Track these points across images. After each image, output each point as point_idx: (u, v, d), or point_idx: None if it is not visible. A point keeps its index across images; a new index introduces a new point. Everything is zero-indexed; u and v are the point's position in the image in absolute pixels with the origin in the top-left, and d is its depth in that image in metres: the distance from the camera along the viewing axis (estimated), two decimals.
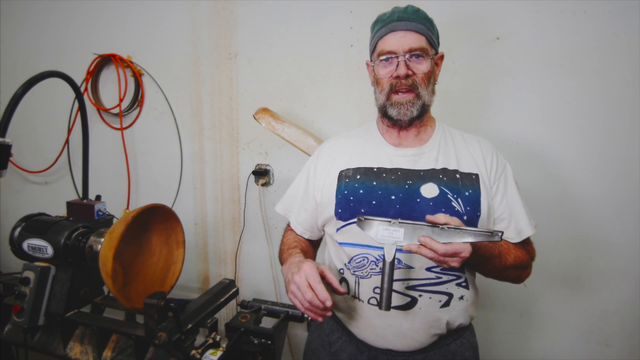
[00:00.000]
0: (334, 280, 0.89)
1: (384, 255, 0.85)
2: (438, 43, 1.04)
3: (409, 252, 0.84)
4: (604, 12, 1.29)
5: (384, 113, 1.03)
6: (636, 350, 1.40)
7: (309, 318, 1.21)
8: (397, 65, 0.96)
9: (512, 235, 1.02)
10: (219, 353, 1.17)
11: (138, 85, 1.91)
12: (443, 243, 0.80)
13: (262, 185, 1.78)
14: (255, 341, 1.27)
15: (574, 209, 1.41)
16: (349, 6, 1.54)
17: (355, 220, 0.93)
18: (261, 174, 1.76)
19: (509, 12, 1.38)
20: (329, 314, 0.87)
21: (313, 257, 1.16)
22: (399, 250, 0.85)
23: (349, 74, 1.59)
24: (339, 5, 1.56)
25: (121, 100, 1.92)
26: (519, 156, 1.41)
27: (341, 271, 1.05)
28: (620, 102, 1.32)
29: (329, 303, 0.83)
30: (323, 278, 0.89)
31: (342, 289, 0.89)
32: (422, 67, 0.98)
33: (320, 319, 0.89)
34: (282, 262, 1.10)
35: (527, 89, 1.40)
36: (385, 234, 0.86)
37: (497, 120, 1.44)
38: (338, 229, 1.04)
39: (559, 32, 1.34)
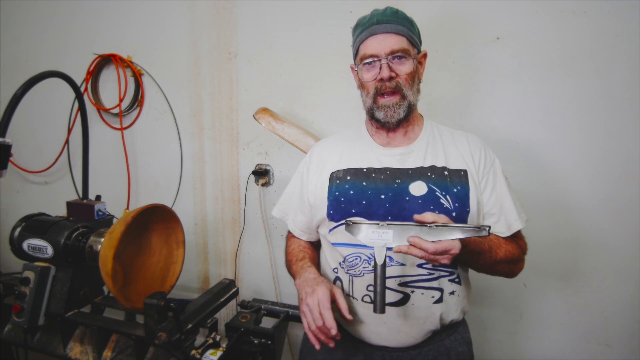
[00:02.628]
0: (344, 307, 0.91)
1: (374, 258, 0.85)
2: (420, 42, 1.05)
3: (400, 253, 0.84)
4: (604, 12, 1.29)
5: (371, 116, 1.04)
6: (636, 350, 1.40)
7: None
8: (380, 68, 0.97)
9: (503, 230, 1.02)
10: (219, 353, 1.17)
11: (138, 85, 1.91)
12: (432, 241, 0.81)
13: (262, 185, 1.78)
14: (255, 341, 1.27)
15: (574, 208, 1.41)
16: (348, 6, 1.54)
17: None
18: (261, 174, 1.76)
19: (508, 12, 1.38)
20: (332, 343, 0.90)
21: (318, 262, 1.16)
22: (389, 250, 0.85)
23: (349, 74, 1.56)
24: (338, 5, 1.56)
25: (121, 100, 1.92)
26: (518, 156, 1.41)
27: (335, 270, 1.06)
28: (620, 102, 1.31)
29: (334, 331, 0.86)
30: (334, 302, 0.91)
31: (349, 316, 0.90)
32: (404, 67, 0.98)
33: (319, 346, 0.91)
34: (291, 273, 1.11)
35: (527, 89, 1.40)
36: (375, 237, 0.86)
37: (497, 120, 1.44)
38: (330, 230, 1.05)
39: (559, 32, 1.34)
